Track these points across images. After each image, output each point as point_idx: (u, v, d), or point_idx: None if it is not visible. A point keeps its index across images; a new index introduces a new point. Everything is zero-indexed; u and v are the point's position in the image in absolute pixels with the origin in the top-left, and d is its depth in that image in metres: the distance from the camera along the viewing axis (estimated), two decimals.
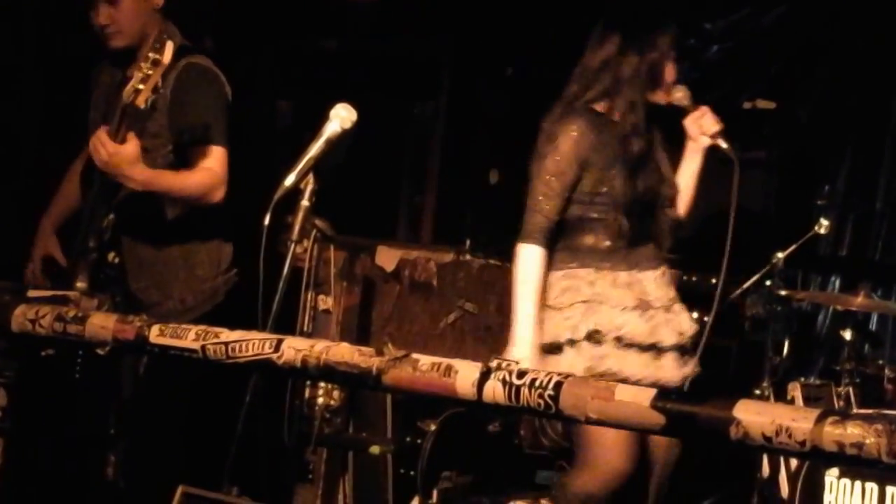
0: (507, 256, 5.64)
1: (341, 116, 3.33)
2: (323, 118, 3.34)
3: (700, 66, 5.89)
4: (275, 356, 1.93)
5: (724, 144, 3.49)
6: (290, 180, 3.24)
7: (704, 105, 3.54)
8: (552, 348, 3.53)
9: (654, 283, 3.60)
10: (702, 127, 3.54)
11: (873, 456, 1.69)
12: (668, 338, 3.56)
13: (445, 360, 2.00)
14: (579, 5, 5.91)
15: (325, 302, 4.81)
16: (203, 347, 2.12)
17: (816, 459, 1.75)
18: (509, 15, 5.93)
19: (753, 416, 1.77)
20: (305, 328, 4.16)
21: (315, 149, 3.28)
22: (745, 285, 5.01)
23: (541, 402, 1.93)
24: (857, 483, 4.02)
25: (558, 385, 1.92)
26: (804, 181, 5.21)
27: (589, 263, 3.58)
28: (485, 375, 1.98)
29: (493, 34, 5.89)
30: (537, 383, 1.94)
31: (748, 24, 5.69)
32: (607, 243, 3.57)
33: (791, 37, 5.77)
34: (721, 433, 1.79)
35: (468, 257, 5.36)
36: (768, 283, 4.75)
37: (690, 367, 3.57)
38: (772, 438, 1.76)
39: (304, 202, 3.29)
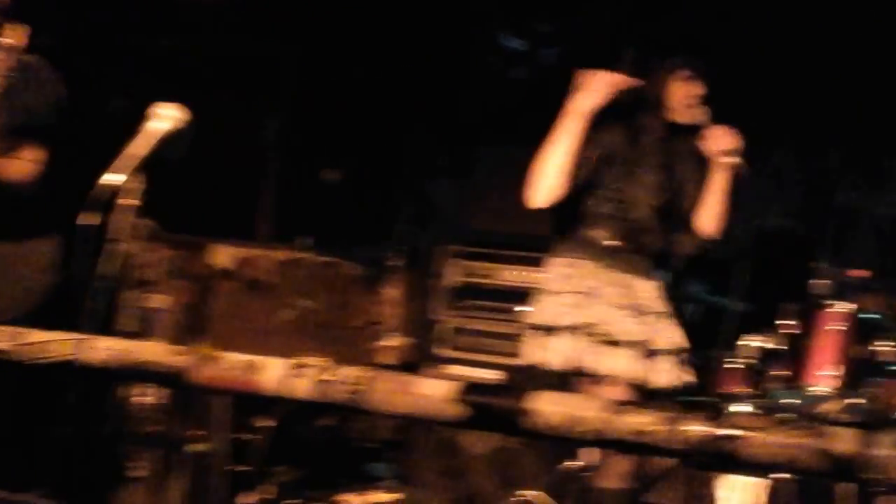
0: (345, 254, 5.70)
1: (165, 116, 3.30)
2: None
3: (534, 68, 5.99)
4: (77, 356, 1.93)
5: (733, 162, 3.58)
6: (113, 178, 3.20)
7: (725, 125, 3.61)
8: (546, 329, 3.65)
9: (648, 293, 3.71)
10: (716, 145, 3.62)
11: (659, 443, 1.78)
12: (661, 342, 3.66)
13: (251, 358, 2.02)
14: (417, 11, 5.99)
15: (157, 301, 4.75)
16: (11, 349, 2.10)
17: (610, 447, 1.82)
18: (351, 16, 5.95)
19: (548, 406, 1.84)
20: (129, 328, 4.10)
21: (140, 147, 3.25)
22: None
23: (349, 397, 1.98)
24: None
25: (365, 380, 1.97)
26: None
27: (590, 256, 3.70)
28: (290, 372, 2.01)
29: (335, 35, 5.90)
30: (343, 379, 1.98)
31: (580, 27, 5.81)
32: (611, 241, 3.69)
33: (622, 41, 5.90)
34: (517, 424, 1.86)
35: (306, 255, 5.36)
36: None
37: (684, 374, 3.72)
38: (566, 428, 1.83)
39: (131, 201, 3.26)
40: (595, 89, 3.59)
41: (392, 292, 6.01)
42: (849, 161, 5.90)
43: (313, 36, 6.00)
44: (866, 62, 5.72)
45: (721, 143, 3.56)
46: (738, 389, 4.86)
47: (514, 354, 5.41)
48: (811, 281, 4.81)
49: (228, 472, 4.65)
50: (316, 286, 5.44)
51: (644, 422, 1.78)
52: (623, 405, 1.81)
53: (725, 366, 5.01)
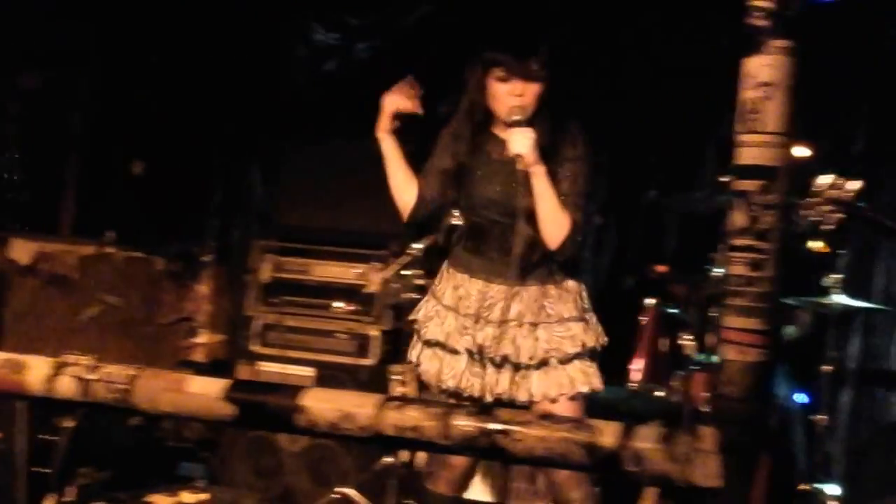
0: (154, 249, 5.56)
1: None
2: None
3: (347, 63, 5.95)
4: None
5: (520, 166, 3.28)
6: None
7: (525, 126, 3.28)
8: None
9: (510, 298, 3.45)
10: (512, 147, 3.34)
11: (430, 438, 1.76)
12: (526, 354, 3.46)
13: (15, 357, 1.93)
14: (228, 3, 5.89)
15: None
16: None
17: (379, 444, 1.79)
18: (160, 5, 5.81)
19: (319, 403, 1.81)
20: None
21: None
22: (384, 275, 5.12)
23: (113, 396, 1.90)
24: None
25: (131, 379, 1.90)
26: None
27: (452, 265, 3.62)
28: (56, 371, 1.93)
29: (143, 26, 5.75)
30: (110, 378, 1.90)
31: (393, 22, 5.80)
32: (465, 249, 3.58)
33: (435, 36, 5.92)
34: (289, 421, 1.82)
35: (111, 249, 5.22)
36: (406, 272, 4.86)
37: (584, 383, 3.46)
38: (337, 424, 1.80)
39: None
40: (384, 110, 3.51)
41: (203, 288, 5.91)
42: (657, 160, 6.03)
43: (120, 27, 5.84)
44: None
45: (514, 145, 3.31)
46: None
47: (328, 351, 5.40)
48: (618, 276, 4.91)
49: (29, 473, 4.49)
50: (122, 282, 5.30)
51: (414, 417, 1.76)
52: (394, 401, 1.78)
53: None
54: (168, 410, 1.89)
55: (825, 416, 4.71)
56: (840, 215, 3.41)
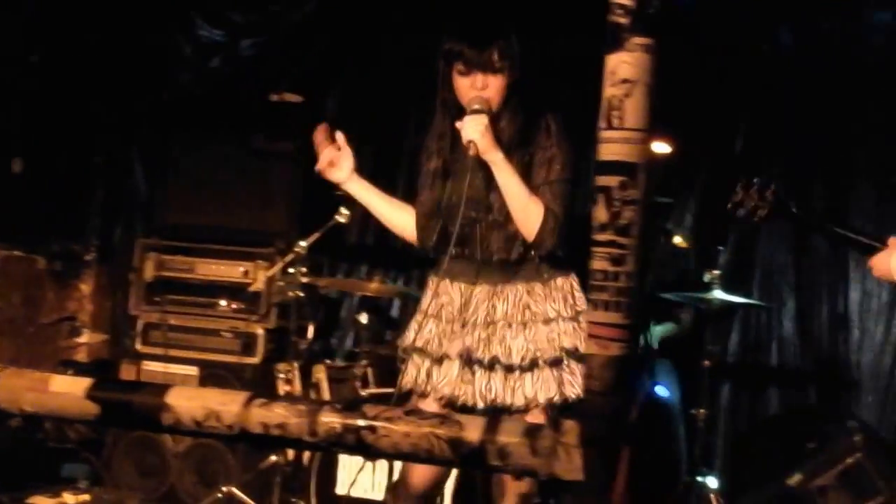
0: (32, 247, 5.45)
1: None
2: None
3: (232, 60, 5.89)
4: None
5: (470, 152, 3.16)
6: None
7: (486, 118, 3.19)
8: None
9: (494, 298, 3.36)
10: (463, 134, 3.23)
11: (296, 435, 1.75)
12: (515, 356, 3.32)
13: None
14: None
15: None
16: None
17: (245, 441, 1.77)
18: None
19: (185, 401, 1.78)
20: None
21: None
22: (270, 272, 5.09)
23: None
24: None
25: None
26: None
27: (434, 273, 3.45)
28: None
29: (17, 17, 5.61)
30: None
31: (279, 19, 5.75)
32: (450, 253, 3.33)
33: (321, 32, 5.90)
34: (155, 420, 1.79)
35: None
36: (292, 270, 4.84)
37: (563, 388, 3.31)
38: (203, 423, 1.78)
39: None
40: (321, 172, 3.48)
41: (85, 287, 5.81)
42: None
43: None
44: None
45: (465, 132, 3.20)
46: None
47: (213, 349, 5.35)
48: None
49: None
50: (2, 282, 5.20)
51: (280, 414, 1.75)
52: (260, 398, 1.76)
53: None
54: (30, 410, 1.85)
55: (704, 410, 4.81)
56: (765, 211, 3.51)
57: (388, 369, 4.69)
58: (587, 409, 1.61)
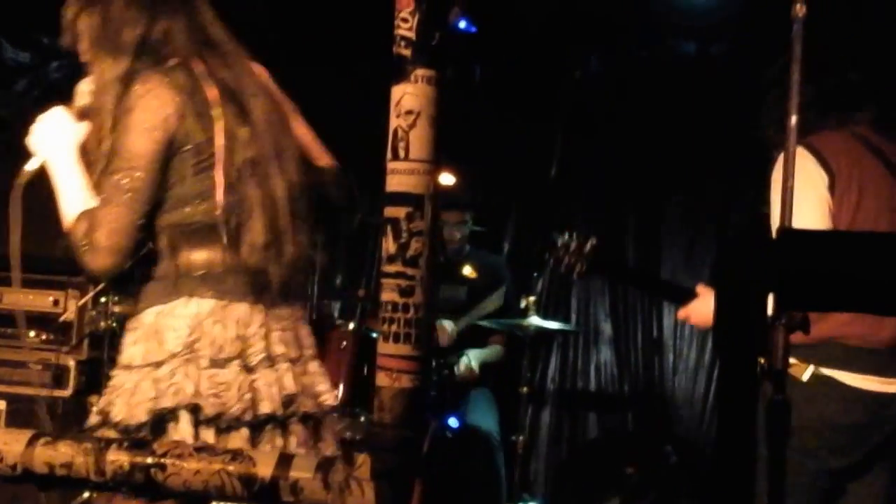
0: None
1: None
2: None
3: (39, 83, 5.75)
4: None
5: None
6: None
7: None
8: None
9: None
10: None
11: (82, 475, 1.69)
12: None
13: None
14: None
15: None
16: None
17: (31, 482, 1.70)
18: None
19: None
20: None
21: None
22: (81, 301, 4.96)
23: None
24: None
25: None
26: None
27: None
28: None
29: None
30: None
31: None
32: None
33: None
34: None
35: None
36: (104, 299, 4.73)
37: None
38: None
39: None
40: None
41: None
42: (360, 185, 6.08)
43: None
44: None
45: None
46: None
47: (21, 382, 5.15)
48: (320, 301, 4.91)
49: None
50: None
51: (65, 453, 1.69)
52: (44, 437, 1.70)
53: None
54: None
55: (524, 437, 4.87)
56: (583, 268, 3.57)
57: None
58: (378, 441, 1.60)
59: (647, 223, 5.82)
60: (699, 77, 5.67)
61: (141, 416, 2.54)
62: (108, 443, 1.71)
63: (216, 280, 2.63)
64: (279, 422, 2.66)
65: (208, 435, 2.56)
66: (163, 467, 1.66)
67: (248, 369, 2.62)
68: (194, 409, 2.55)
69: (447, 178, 5.00)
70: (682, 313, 3.39)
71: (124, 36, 2.65)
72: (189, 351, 2.58)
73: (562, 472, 5.63)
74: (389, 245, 1.59)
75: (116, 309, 4.72)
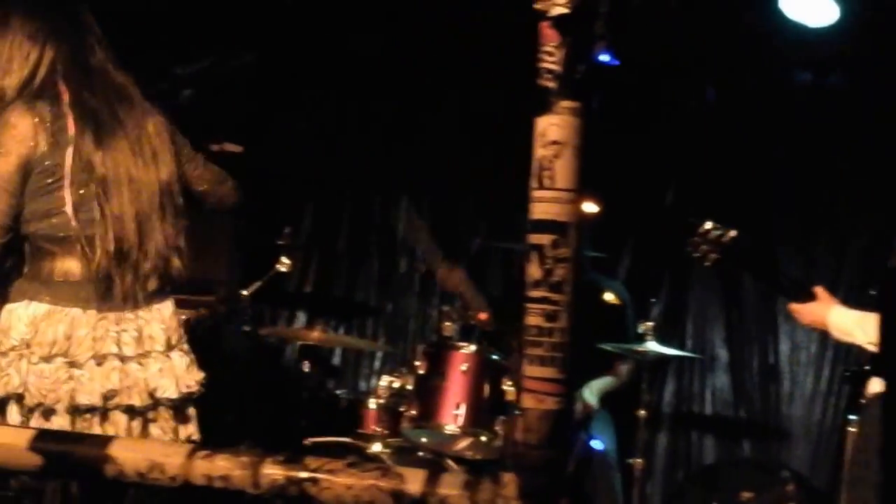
0: None
1: None
2: None
3: (172, 109, 5.92)
4: None
5: None
6: None
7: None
8: None
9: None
10: None
11: (239, 487, 1.77)
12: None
13: None
14: None
15: None
16: None
17: (188, 493, 1.79)
18: None
19: (127, 453, 1.80)
20: None
21: None
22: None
23: None
24: None
25: None
26: (269, 222, 5.37)
27: None
28: None
29: None
30: None
31: (218, 70, 5.81)
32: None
33: (258, 84, 5.97)
34: (98, 471, 1.81)
35: None
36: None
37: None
38: (145, 475, 1.79)
39: None
40: None
41: None
42: (479, 209, 6.16)
43: None
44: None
45: None
46: (375, 429, 4.97)
47: None
48: (441, 323, 4.97)
49: None
50: None
51: (225, 466, 1.77)
52: (201, 449, 1.79)
53: (366, 406, 5.11)
54: None
55: (641, 460, 4.87)
56: (716, 256, 3.70)
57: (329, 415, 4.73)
58: (525, 462, 1.65)
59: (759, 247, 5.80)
60: (815, 107, 5.65)
61: None
62: (264, 456, 1.78)
63: (66, 287, 3.04)
64: (101, 411, 3.05)
65: (36, 421, 3.04)
66: (316, 482, 1.74)
67: (73, 365, 3.02)
68: (19, 399, 3.02)
69: (591, 207, 5.05)
70: (796, 307, 3.46)
71: (14, 66, 3.05)
72: (24, 347, 3.02)
73: (678, 495, 5.61)
74: (534, 271, 1.64)
75: (246, 328, 4.86)
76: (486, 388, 4.81)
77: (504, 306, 5.34)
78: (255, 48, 5.69)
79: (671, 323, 5.78)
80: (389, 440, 4.91)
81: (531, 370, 1.65)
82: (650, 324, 4.89)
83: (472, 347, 4.89)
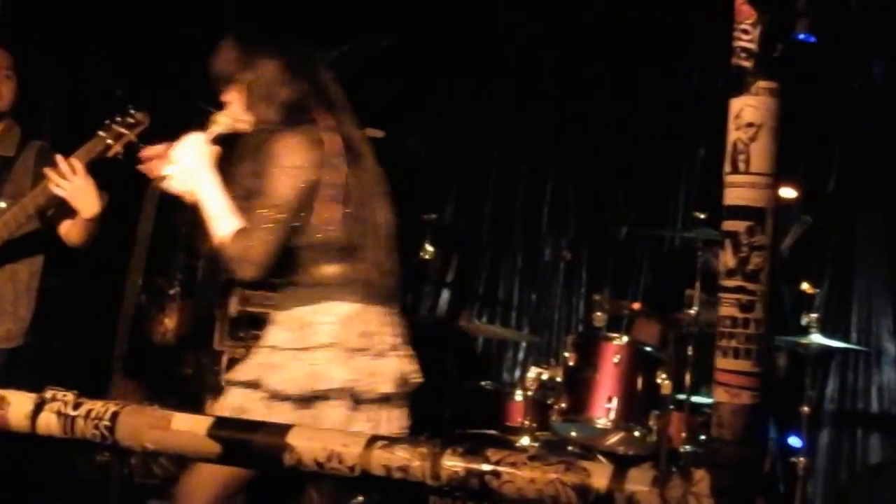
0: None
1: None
2: None
3: None
4: None
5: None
6: None
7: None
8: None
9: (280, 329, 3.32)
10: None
11: (418, 478, 1.74)
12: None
13: None
14: None
15: None
16: None
17: (367, 483, 1.77)
18: None
19: (306, 442, 1.79)
20: None
21: None
22: None
23: (97, 433, 1.88)
24: None
25: (114, 416, 1.88)
26: (414, 209, 5.34)
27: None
28: (38, 407, 1.91)
29: None
30: (93, 414, 1.88)
31: (357, 55, 5.83)
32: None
33: (399, 68, 5.97)
34: (276, 460, 1.80)
35: None
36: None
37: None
38: (324, 464, 1.78)
39: None
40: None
41: (169, 322, 5.86)
42: (628, 196, 6.06)
43: None
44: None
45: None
46: (522, 421, 4.93)
47: None
48: (591, 314, 4.90)
49: None
50: None
51: (404, 457, 1.74)
52: (379, 439, 1.76)
53: (512, 397, 5.07)
54: (152, 447, 1.86)
55: (804, 458, 4.72)
56: None
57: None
58: (718, 458, 1.59)
59: None
60: None
61: (294, 390, 3.09)
62: (444, 447, 1.75)
63: (350, 288, 3.22)
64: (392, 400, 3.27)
65: (357, 416, 3.16)
66: (497, 475, 1.70)
67: (378, 356, 3.21)
68: (347, 392, 3.15)
69: (788, 192, 4.92)
70: None
71: (277, 93, 3.26)
72: (336, 344, 3.15)
73: (842, 495, 5.44)
74: (728, 259, 1.57)
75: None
76: (640, 382, 4.73)
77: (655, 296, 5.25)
78: (393, 32, 5.70)
79: (834, 315, 5.59)
80: (538, 433, 4.86)
81: (724, 363, 1.59)
82: (814, 315, 4.73)
83: (625, 339, 4.81)
